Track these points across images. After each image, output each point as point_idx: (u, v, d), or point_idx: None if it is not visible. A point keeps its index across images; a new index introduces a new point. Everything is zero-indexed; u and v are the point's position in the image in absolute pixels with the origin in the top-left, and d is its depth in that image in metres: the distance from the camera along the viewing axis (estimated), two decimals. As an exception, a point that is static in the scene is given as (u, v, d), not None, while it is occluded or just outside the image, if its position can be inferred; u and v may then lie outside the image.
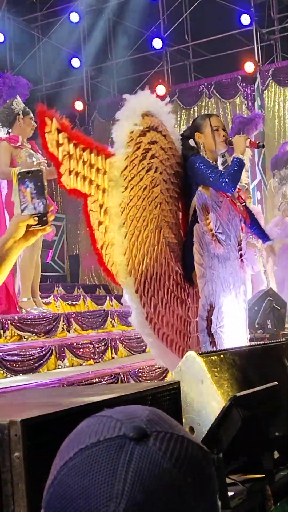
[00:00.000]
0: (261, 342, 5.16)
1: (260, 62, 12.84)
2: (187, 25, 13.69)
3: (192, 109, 13.34)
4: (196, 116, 5.50)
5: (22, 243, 1.89)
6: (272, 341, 4.29)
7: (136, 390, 2.07)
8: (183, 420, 2.40)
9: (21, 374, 5.25)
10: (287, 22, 13.20)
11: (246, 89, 12.81)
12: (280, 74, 12.75)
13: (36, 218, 1.86)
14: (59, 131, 3.48)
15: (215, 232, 4.02)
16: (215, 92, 13.08)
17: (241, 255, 4.20)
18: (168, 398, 2.18)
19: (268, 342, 4.43)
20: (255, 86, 12.70)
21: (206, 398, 2.78)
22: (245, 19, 12.61)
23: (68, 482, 0.62)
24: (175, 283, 4.06)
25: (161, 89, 13.28)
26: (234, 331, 4.03)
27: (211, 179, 4.05)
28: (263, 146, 4.57)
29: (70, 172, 3.54)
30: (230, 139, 4.25)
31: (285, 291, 9.32)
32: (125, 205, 3.76)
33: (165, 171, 4.06)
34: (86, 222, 3.75)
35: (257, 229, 4.68)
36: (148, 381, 5.26)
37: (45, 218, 1.87)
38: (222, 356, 2.94)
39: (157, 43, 13.41)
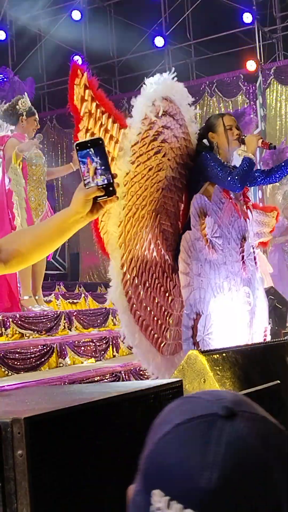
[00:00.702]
0: (263, 341, 5.16)
1: (262, 61, 12.83)
2: (189, 23, 13.68)
3: (193, 108, 13.31)
4: (207, 116, 5.47)
5: (89, 217, 1.81)
6: (274, 339, 4.28)
7: (139, 388, 2.07)
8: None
9: (22, 372, 5.25)
10: (289, 21, 13.19)
11: (248, 88, 12.81)
12: (282, 72, 12.74)
13: (103, 190, 1.76)
14: (86, 87, 3.47)
15: (211, 237, 3.98)
16: (216, 90, 13.07)
17: (242, 257, 4.15)
18: (171, 396, 2.18)
19: (269, 340, 4.42)
20: (257, 84, 12.69)
21: (208, 396, 2.78)
22: (247, 17, 12.60)
23: (166, 453, 0.71)
24: (161, 271, 4.02)
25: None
26: (229, 335, 3.98)
27: (219, 176, 4.04)
28: (275, 147, 4.51)
29: (87, 130, 3.54)
30: (243, 137, 4.24)
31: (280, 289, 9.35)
32: (129, 178, 3.72)
33: (174, 159, 4.03)
34: None
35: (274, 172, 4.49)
36: (150, 379, 5.26)
37: (111, 188, 1.76)
38: (224, 354, 2.94)
39: (159, 41, 13.40)
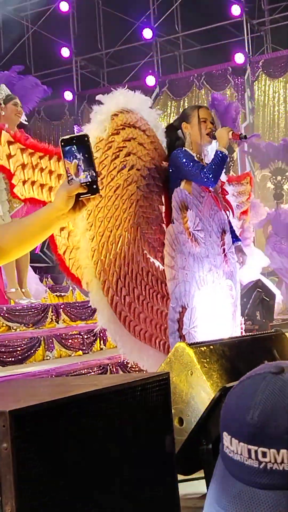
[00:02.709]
0: (250, 333, 5.16)
1: (250, 53, 12.83)
2: (177, 15, 13.66)
3: (182, 100, 13.31)
4: (186, 107, 5.46)
5: (71, 214, 1.78)
6: (261, 332, 4.28)
7: (126, 381, 2.06)
8: (173, 411, 2.39)
9: (9, 365, 5.22)
10: (278, 14, 13.18)
11: (236, 80, 12.80)
12: (270, 65, 12.76)
13: (86, 187, 1.72)
14: (10, 143, 3.49)
15: (194, 230, 3.97)
16: (205, 83, 13.07)
17: (224, 250, 4.15)
18: (158, 389, 2.17)
19: (257, 333, 4.42)
20: (245, 77, 12.69)
21: (196, 389, 2.77)
22: (236, 9, 12.59)
23: (229, 402, 0.90)
24: (154, 278, 4.03)
25: (151, 80, 13.26)
26: (214, 328, 3.98)
27: (192, 173, 4.02)
28: (246, 137, 4.50)
29: (24, 182, 3.55)
30: (214, 132, 4.18)
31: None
32: (94, 207, 3.72)
33: (145, 167, 4.02)
34: None
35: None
36: (137, 372, 5.25)
37: (95, 186, 1.72)
38: (211, 347, 2.94)
39: (147, 33, 13.36)
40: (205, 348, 2.92)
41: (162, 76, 13.49)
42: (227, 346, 3.03)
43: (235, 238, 4.40)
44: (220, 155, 4.03)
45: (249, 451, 0.84)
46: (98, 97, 3.80)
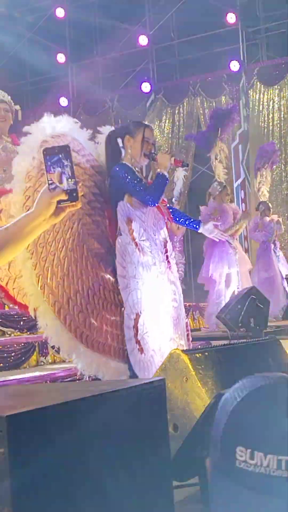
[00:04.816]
0: (244, 340, 5.17)
1: (245, 61, 12.87)
2: (172, 23, 13.69)
3: (177, 107, 13.34)
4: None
5: (51, 220, 1.86)
6: (256, 339, 4.29)
7: (121, 387, 2.07)
8: (168, 417, 2.40)
9: (2, 370, 5.22)
10: (273, 22, 13.24)
11: (231, 88, 12.84)
12: (265, 73, 12.80)
13: (67, 194, 1.83)
14: None
15: (139, 240, 4.12)
16: (200, 90, 13.10)
17: (167, 257, 4.31)
18: (153, 395, 2.17)
19: (251, 340, 4.43)
20: (240, 85, 12.73)
21: (191, 395, 2.78)
22: (231, 17, 12.63)
23: (243, 416, 0.88)
24: (107, 291, 4.12)
25: (146, 86, 13.29)
26: (161, 332, 4.13)
27: (136, 191, 4.16)
28: (188, 165, 4.85)
29: None
30: (154, 154, 4.35)
31: (268, 290, 9.36)
32: None
33: (83, 185, 4.08)
34: None
35: (185, 221, 4.79)
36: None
37: (75, 194, 1.83)
38: (206, 353, 2.95)
39: (143, 40, 13.40)
40: (200, 354, 2.93)
41: (157, 83, 13.52)
42: (222, 353, 3.04)
43: (198, 226, 4.75)
44: (161, 177, 4.25)
45: (279, 462, 0.83)
46: (24, 129, 3.85)
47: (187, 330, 4.46)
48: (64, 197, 1.83)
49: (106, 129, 4.37)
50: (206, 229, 4.79)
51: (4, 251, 1.89)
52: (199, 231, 4.78)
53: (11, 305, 6.33)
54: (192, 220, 4.80)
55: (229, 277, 8.49)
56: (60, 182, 1.83)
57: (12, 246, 1.89)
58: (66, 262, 3.96)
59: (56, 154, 1.83)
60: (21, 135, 3.86)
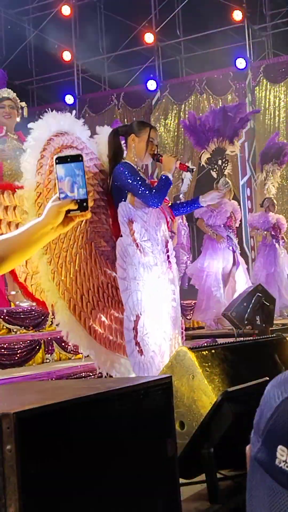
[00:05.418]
0: (250, 338, 5.16)
1: (252, 59, 12.85)
2: (178, 20, 13.67)
3: (183, 105, 13.33)
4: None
5: (59, 229, 1.84)
6: (262, 336, 4.29)
7: (128, 384, 2.07)
8: (174, 414, 2.40)
9: (8, 368, 5.23)
10: (279, 19, 13.21)
11: (237, 85, 12.81)
12: (271, 70, 12.77)
13: (76, 204, 1.80)
14: None
15: (141, 241, 4.12)
16: (206, 88, 13.08)
17: (168, 257, 4.31)
18: (160, 392, 2.17)
19: (258, 337, 4.43)
20: (246, 82, 12.71)
21: (197, 393, 2.78)
22: (237, 15, 12.60)
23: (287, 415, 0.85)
24: (114, 289, 4.14)
25: (152, 84, 13.28)
26: (161, 333, 4.14)
27: (139, 192, 4.15)
28: (193, 171, 4.78)
29: None
30: (160, 156, 4.36)
31: (271, 287, 9.36)
32: None
33: (88, 184, 4.08)
34: None
35: (186, 207, 4.77)
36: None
37: (85, 204, 1.80)
38: (213, 351, 2.94)
39: (149, 38, 13.38)
40: (206, 352, 2.93)
41: (163, 80, 13.51)
42: (229, 351, 3.04)
43: (197, 204, 4.65)
44: (165, 179, 4.25)
45: None
46: (29, 125, 3.85)
47: (182, 329, 4.48)
48: (73, 206, 1.80)
49: (105, 130, 4.36)
50: (209, 199, 4.66)
51: (10, 257, 1.88)
52: (202, 203, 4.66)
53: (28, 302, 6.37)
54: (190, 201, 4.78)
55: (226, 275, 8.45)
56: (71, 191, 1.80)
57: (19, 253, 1.89)
58: (77, 259, 3.98)
59: (68, 163, 1.80)
60: (28, 132, 3.85)
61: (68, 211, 1.81)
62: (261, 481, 0.86)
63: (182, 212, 4.79)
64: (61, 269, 3.88)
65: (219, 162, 8.95)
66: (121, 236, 4.10)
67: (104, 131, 4.35)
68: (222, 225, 8.48)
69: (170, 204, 4.65)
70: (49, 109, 3.95)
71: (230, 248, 8.47)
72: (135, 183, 4.14)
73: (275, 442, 0.84)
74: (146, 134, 4.27)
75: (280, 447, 0.84)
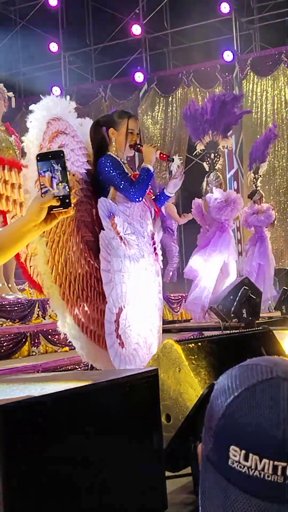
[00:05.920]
0: (237, 331, 5.17)
1: (239, 51, 12.84)
2: (166, 12, 13.63)
3: (170, 97, 13.30)
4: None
5: (42, 227, 1.83)
6: (248, 329, 4.30)
7: (114, 377, 2.06)
8: (160, 407, 2.39)
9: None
10: (266, 12, 13.20)
11: (224, 78, 12.80)
12: (258, 63, 12.77)
13: (59, 200, 1.79)
14: None
15: (124, 235, 4.10)
16: (193, 80, 13.06)
17: (155, 249, 4.31)
18: (146, 385, 2.17)
19: (244, 330, 4.43)
20: (234, 75, 12.70)
21: (183, 385, 2.77)
22: (225, 7, 12.58)
23: (239, 414, 0.82)
24: (96, 279, 4.13)
25: (139, 76, 13.24)
26: (148, 324, 4.15)
27: (121, 186, 4.14)
28: (173, 160, 4.84)
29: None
30: (140, 147, 4.31)
31: (260, 277, 9.38)
32: None
33: (78, 172, 4.09)
34: None
35: (161, 200, 4.60)
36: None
37: (67, 200, 1.80)
38: (199, 344, 2.94)
39: (136, 30, 13.34)
40: (193, 345, 2.92)
41: (150, 72, 13.47)
42: (215, 343, 3.03)
43: (167, 195, 4.55)
44: (146, 171, 4.20)
45: (274, 467, 0.79)
46: (31, 107, 3.83)
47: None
48: (55, 203, 1.79)
49: (86, 122, 4.32)
50: (172, 188, 4.48)
51: None
52: (169, 194, 4.54)
53: (14, 294, 6.34)
54: (160, 194, 4.58)
55: (227, 266, 8.47)
56: (52, 187, 1.79)
57: (2, 250, 1.87)
58: (68, 246, 3.98)
59: (48, 159, 1.80)
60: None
61: (51, 208, 1.80)
62: (214, 482, 0.84)
63: (160, 204, 4.71)
64: (55, 253, 3.89)
65: (212, 155, 8.95)
66: (103, 229, 4.08)
67: (86, 124, 4.33)
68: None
69: (153, 198, 4.60)
70: (35, 101, 3.93)
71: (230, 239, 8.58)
72: (116, 176, 4.13)
73: (227, 442, 0.82)
74: (125, 126, 4.24)
75: (232, 447, 0.82)
